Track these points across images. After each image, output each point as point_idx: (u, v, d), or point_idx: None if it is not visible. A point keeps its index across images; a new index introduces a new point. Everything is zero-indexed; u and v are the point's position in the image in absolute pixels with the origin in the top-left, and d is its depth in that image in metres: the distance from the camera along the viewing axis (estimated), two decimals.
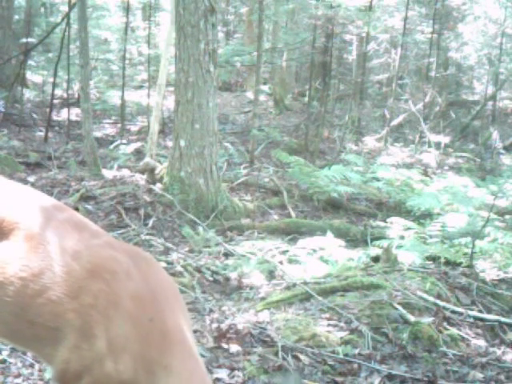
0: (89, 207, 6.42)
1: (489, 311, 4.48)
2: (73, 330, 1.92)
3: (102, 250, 2.06)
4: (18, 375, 3.18)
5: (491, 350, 3.87)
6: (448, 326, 4.05)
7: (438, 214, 7.04)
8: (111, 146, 10.72)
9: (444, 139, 13.40)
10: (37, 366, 3.24)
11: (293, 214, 7.52)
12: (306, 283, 4.59)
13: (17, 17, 14.37)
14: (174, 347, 1.90)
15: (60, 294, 1.96)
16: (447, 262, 5.36)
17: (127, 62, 13.84)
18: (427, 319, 4.03)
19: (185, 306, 2.10)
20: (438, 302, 4.31)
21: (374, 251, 5.75)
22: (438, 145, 13.04)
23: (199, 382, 1.91)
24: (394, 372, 3.44)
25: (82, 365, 1.90)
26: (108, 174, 7.85)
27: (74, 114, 12.23)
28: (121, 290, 1.93)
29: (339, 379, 3.33)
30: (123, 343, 1.87)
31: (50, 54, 14.08)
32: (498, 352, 3.85)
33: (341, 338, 3.77)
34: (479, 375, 3.51)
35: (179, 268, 5.07)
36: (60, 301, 1.95)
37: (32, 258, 2.03)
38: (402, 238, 6.31)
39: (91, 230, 2.19)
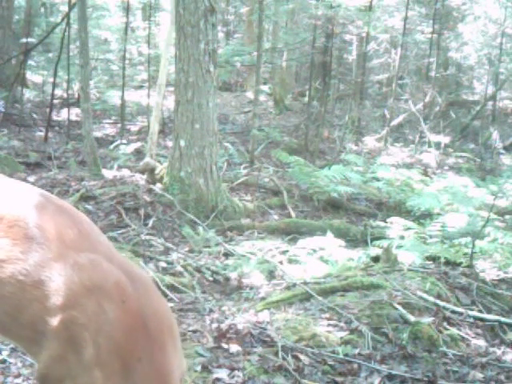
0: (89, 207, 6.42)
1: (489, 311, 4.47)
2: (59, 339, 1.92)
3: (102, 266, 2.02)
4: (18, 375, 3.18)
5: (491, 350, 3.87)
6: (448, 326, 4.05)
7: (438, 214, 7.04)
8: (111, 146, 10.72)
9: (444, 139, 13.40)
10: (37, 366, 3.23)
11: (293, 214, 7.52)
12: (306, 283, 4.59)
13: (17, 17, 14.37)
14: None
15: (54, 303, 1.94)
16: (447, 262, 5.36)
17: (127, 62, 13.82)
18: (427, 319, 4.03)
19: (178, 338, 2.08)
20: (438, 301, 4.31)
21: (374, 251, 5.75)
22: (437, 145, 13.04)
23: None
24: (394, 372, 3.43)
25: (66, 373, 1.90)
26: (108, 173, 7.85)
27: (74, 114, 12.22)
28: (116, 320, 1.91)
29: (339, 379, 3.33)
30: (109, 371, 1.87)
31: (50, 54, 14.08)
32: (498, 352, 3.85)
33: (341, 338, 3.77)
34: (479, 375, 3.50)
35: (179, 268, 5.08)
36: (54, 308, 1.94)
37: (31, 262, 2.00)
38: (402, 237, 6.31)
39: (92, 235, 2.17)
